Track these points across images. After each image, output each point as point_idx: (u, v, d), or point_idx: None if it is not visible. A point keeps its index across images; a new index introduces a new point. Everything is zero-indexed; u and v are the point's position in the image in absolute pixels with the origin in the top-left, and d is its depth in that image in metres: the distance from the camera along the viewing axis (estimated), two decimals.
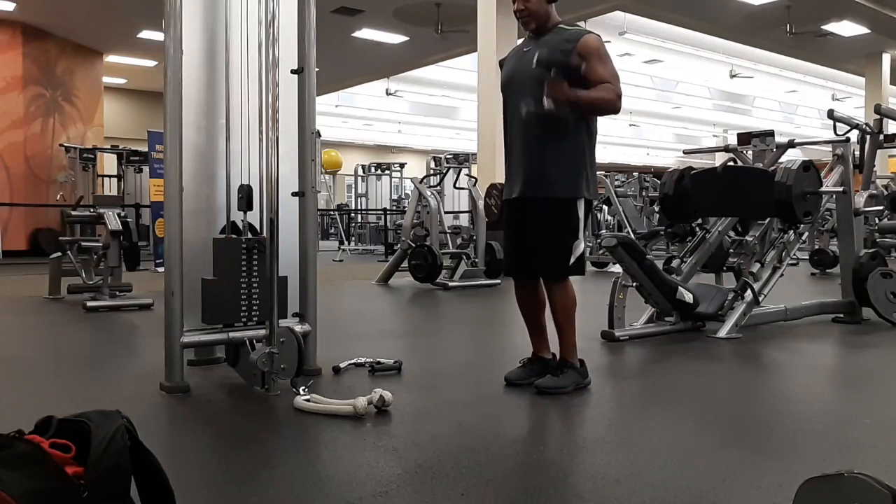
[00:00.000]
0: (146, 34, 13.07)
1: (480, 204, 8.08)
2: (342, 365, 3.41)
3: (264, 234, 3.00)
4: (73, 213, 6.69)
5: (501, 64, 3.22)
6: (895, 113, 5.82)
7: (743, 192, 4.66)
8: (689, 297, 4.39)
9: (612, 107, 2.93)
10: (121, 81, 17.49)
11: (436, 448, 2.29)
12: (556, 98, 2.83)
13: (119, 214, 5.90)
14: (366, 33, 13.20)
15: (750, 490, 1.94)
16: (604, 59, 2.94)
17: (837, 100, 20.74)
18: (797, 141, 5.39)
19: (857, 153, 5.37)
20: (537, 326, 3.21)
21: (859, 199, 5.41)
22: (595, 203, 3.13)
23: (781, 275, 4.74)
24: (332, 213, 18.64)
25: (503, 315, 5.90)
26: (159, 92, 3.43)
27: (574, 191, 2.99)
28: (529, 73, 2.99)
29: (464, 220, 10.49)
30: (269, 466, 2.13)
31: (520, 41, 3.22)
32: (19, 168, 12.41)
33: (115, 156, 13.86)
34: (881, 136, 5.67)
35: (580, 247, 3.00)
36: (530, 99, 2.98)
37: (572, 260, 2.99)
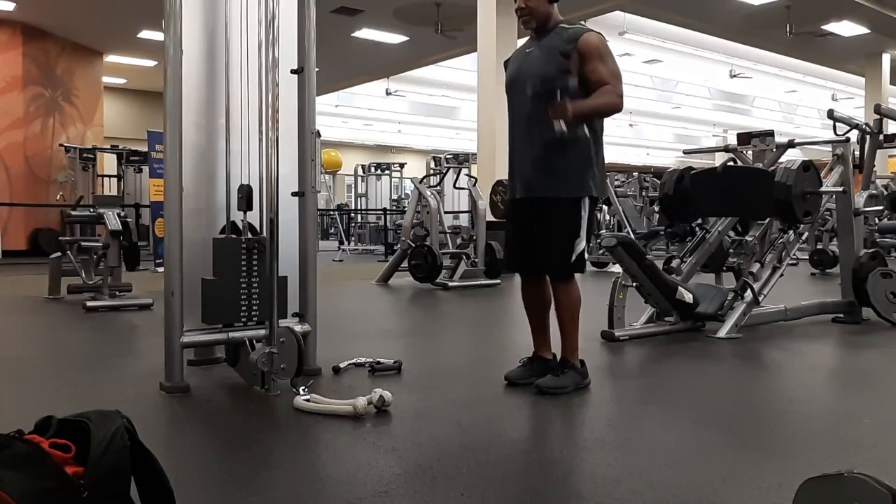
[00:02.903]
0: (146, 34, 13.07)
1: (480, 204, 8.08)
2: (342, 365, 3.41)
3: (264, 234, 3.00)
4: (73, 213, 6.69)
5: (506, 65, 3.24)
6: (895, 113, 5.82)
7: (743, 192, 4.66)
8: (689, 297, 4.39)
9: (615, 108, 2.97)
10: (121, 81, 17.49)
11: (436, 448, 2.29)
12: (564, 120, 2.83)
13: (119, 214, 5.90)
14: (366, 33, 13.20)
15: (750, 490, 1.94)
16: (604, 58, 2.95)
17: (837, 100, 20.73)
18: (797, 141, 5.39)
19: (857, 153, 5.37)
20: (541, 325, 3.21)
21: (859, 199, 5.42)
22: (599, 200, 3.14)
23: (781, 275, 4.74)
24: (332, 213, 18.65)
25: (503, 315, 5.90)
26: (159, 92, 3.43)
27: (580, 190, 2.99)
28: (533, 75, 3.01)
29: (464, 220, 10.50)
30: (269, 466, 2.13)
31: (521, 41, 3.22)
32: (19, 168, 12.41)
33: (114, 156, 13.86)
34: (881, 136, 5.67)
35: (581, 244, 3.01)
36: (534, 101, 3.00)
37: (574, 257, 3.00)
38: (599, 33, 3.02)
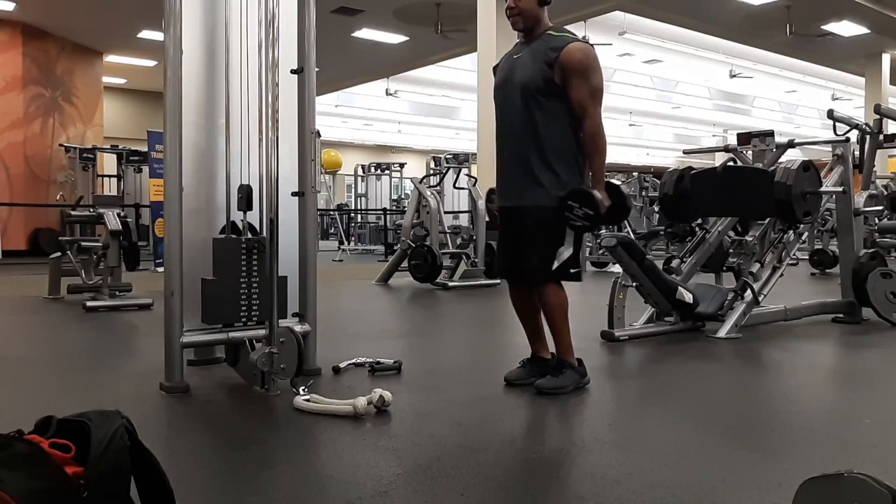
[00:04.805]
0: (146, 34, 13.07)
1: (480, 204, 8.08)
2: (342, 365, 3.41)
3: (264, 234, 3.00)
4: (73, 213, 6.69)
5: (495, 71, 3.24)
6: (895, 113, 5.82)
7: (743, 192, 4.66)
8: (688, 297, 4.39)
9: (604, 140, 2.98)
10: (121, 81, 17.49)
11: (436, 448, 2.29)
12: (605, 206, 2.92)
13: (119, 214, 5.90)
14: (366, 33, 13.20)
15: (750, 490, 1.94)
16: (586, 74, 2.93)
17: (837, 100, 20.73)
18: (797, 141, 5.39)
19: (856, 153, 5.37)
20: (534, 328, 3.22)
21: (859, 199, 5.41)
22: None
23: (781, 275, 4.74)
24: (331, 213, 18.63)
25: (503, 315, 5.89)
26: (159, 92, 3.43)
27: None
28: (518, 83, 3.01)
29: (464, 220, 10.50)
30: (269, 466, 2.13)
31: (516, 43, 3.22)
32: (19, 168, 12.41)
33: (114, 156, 13.86)
34: (881, 136, 5.66)
35: (566, 253, 2.97)
36: (519, 109, 3.00)
37: (556, 265, 2.96)
38: (586, 43, 3.00)
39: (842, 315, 5.02)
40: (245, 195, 3.03)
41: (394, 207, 15.97)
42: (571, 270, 3.00)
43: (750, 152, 5.27)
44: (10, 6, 11.50)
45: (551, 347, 3.18)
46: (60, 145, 12.85)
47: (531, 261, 3.02)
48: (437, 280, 7.52)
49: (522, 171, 3.01)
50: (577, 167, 3.01)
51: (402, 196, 18.59)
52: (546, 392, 2.95)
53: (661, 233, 8.00)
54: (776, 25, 12.71)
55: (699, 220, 5.19)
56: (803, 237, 5.11)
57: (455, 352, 4.30)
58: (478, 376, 3.42)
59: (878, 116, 5.67)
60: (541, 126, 2.96)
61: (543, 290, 3.03)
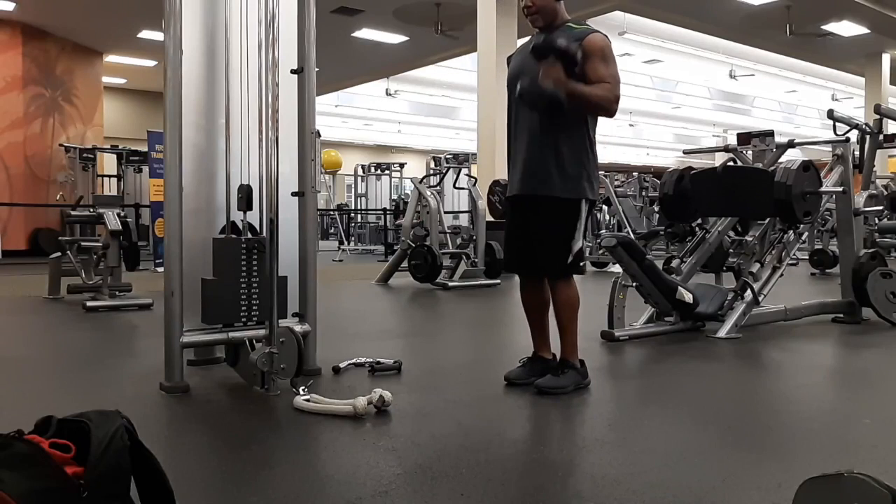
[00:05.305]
0: (146, 34, 13.07)
1: (480, 204, 8.08)
2: (342, 365, 3.41)
3: (264, 234, 3.00)
4: (73, 213, 6.69)
5: (509, 61, 3.23)
6: (895, 113, 5.82)
7: (743, 192, 4.66)
8: (688, 297, 4.39)
9: (609, 107, 2.93)
10: (121, 81, 17.50)
11: (436, 448, 2.29)
12: (554, 82, 2.79)
13: (119, 214, 5.90)
14: (366, 33, 13.20)
15: (750, 490, 1.94)
16: (606, 60, 2.93)
17: (837, 100, 20.73)
18: (797, 141, 5.39)
19: (856, 153, 5.37)
20: (540, 325, 3.21)
21: (859, 199, 5.42)
22: (596, 203, 3.13)
23: (781, 275, 4.74)
24: (331, 213, 18.64)
25: (503, 315, 5.90)
26: (159, 92, 3.43)
27: (575, 191, 2.99)
28: (535, 71, 2.99)
29: (464, 220, 10.51)
30: (269, 466, 2.13)
31: (521, 40, 3.22)
32: (19, 168, 12.41)
33: (114, 156, 13.86)
34: (881, 136, 5.67)
35: (577, 245, 2.99)
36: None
37: (570, 259, 2.99)
38: (605, 35, 3.01)
39: (842, 315, 5.02)
40: (245, 195, 3.03)
41: (394, 207, 15.96)
42: (580, 263, 3.04)
43: (750, 152, 5.27)
44: (10, 6, 11.51)
45: (554, 347, 3.18)
46: (60, 145, 12.86)
47: (546, 255, 3.02)
48: (437, 280, 7.52)
49: (534, 160, 2.99)
50: (587, 160, 3.01)
51: (402, 196, 18.59)
52: (546, 391, 2.96)
53: (661, 233, 8.00)
54: (776, 25, 12.71)
55: (699, 220, 5.19)
56: (803, 237, 5.11)
57: (455, 352, 4.30)
58: (478, 376, 3.42)
59: (878, 116, 5.67)
60: (556, 117, 2.94)
61: (558, 284, 3.04)
